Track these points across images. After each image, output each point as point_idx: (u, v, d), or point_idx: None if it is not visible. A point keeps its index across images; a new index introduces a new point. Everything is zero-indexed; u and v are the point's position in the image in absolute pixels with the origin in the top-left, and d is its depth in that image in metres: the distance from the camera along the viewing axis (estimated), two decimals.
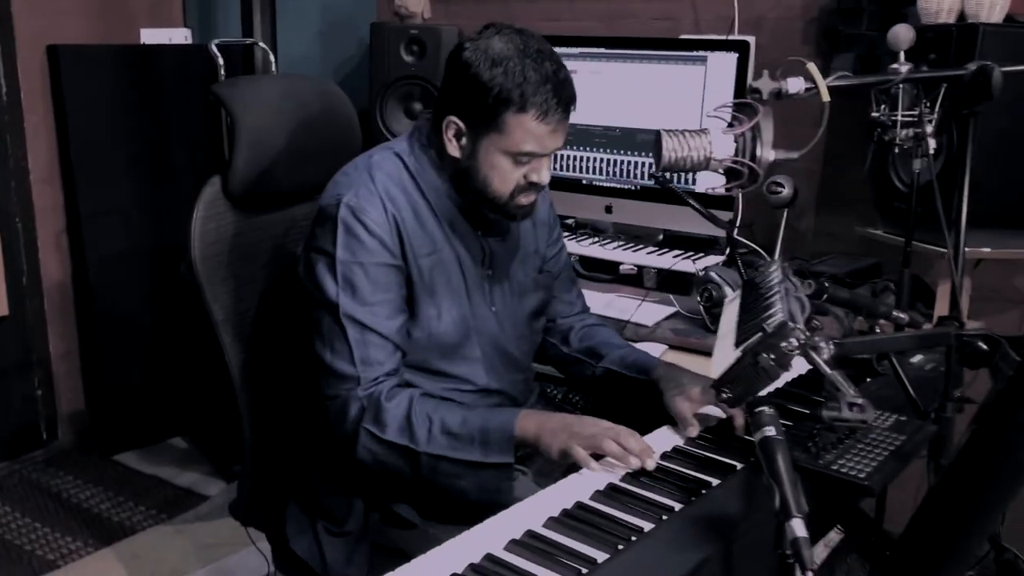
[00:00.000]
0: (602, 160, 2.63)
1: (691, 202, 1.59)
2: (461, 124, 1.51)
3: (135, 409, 3.36)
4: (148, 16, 3.36)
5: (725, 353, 1.18)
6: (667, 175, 1.61)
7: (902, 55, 1.84)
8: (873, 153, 2.15)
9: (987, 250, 2.13)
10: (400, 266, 1.52)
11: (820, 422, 1.37)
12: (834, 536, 2.74)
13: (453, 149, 1.54)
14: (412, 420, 1.46)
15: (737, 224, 2.54)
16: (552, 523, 1.20)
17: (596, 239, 2.63)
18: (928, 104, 1.87)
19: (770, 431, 1.10)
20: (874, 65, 2.53)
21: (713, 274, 2.08)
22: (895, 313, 1.64)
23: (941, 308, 2.23)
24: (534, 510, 1.23)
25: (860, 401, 1.18)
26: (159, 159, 3.28)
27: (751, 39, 2.42)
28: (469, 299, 1.61)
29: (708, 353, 2.08)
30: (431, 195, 1.57)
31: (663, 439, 1.49)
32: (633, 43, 2.58)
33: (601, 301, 2.29)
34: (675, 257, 2.46)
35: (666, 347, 2.11)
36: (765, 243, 2.59)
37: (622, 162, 2.61)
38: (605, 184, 2.63)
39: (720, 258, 2.47)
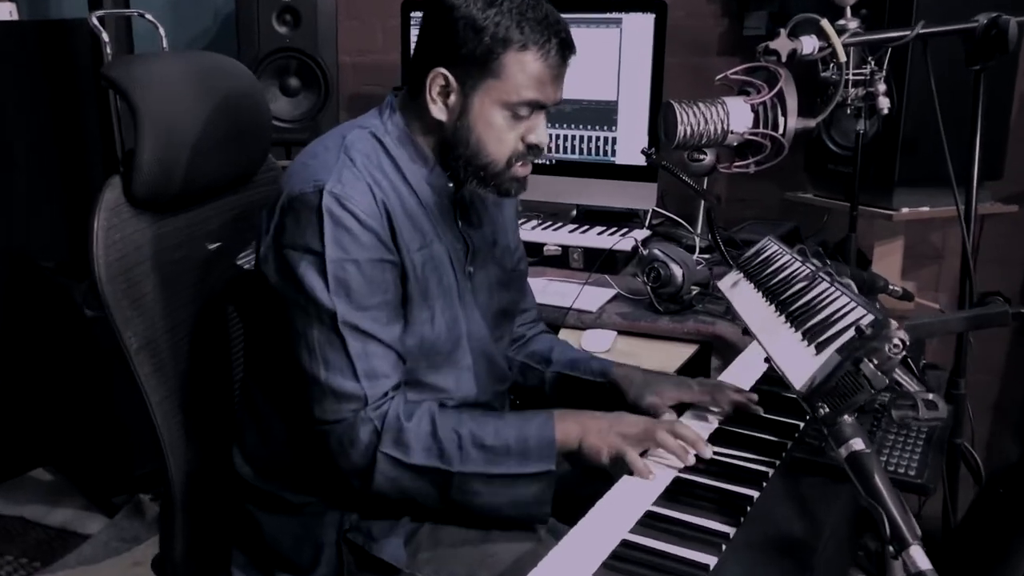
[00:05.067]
0: None
1: (684, 178, 1.44)
2: (449, 76, 1.30)
3: None
4: None
5: (796, 357, 1.03)
6: (655, 152, 1.45)
7: (848, 11, 1.75)
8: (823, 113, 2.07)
9: (926, 209, 2.09)
10: (396, 262, 1.31)
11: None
12: None
13: (439, 111, 1.32)
14: (439, 437, 1.26)
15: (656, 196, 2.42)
16: (606, 571, 1.02)
17: None
18: (876, 63, 1.80)
19: (857, 444, 0.96)
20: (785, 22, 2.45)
21: (658, 251, 1.93)
22: (891, 286, 1.56)
23: (880, 270, 2.18)
24: (573, 554, 1.05)
25: (932, 396, 1.06)
26: None
27: None
28: (460, 299, 1.41)
29: (660, 336, 1.96)
30: (413, 179, 1.35)
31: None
32: None
33: (534, 287, 2.11)
34: (599, 234, 2.32)
35: (615, 333, 1.96)
36: (680, 213, 2.49)
37: None
38: None
39: (644, 232, 2.35)
